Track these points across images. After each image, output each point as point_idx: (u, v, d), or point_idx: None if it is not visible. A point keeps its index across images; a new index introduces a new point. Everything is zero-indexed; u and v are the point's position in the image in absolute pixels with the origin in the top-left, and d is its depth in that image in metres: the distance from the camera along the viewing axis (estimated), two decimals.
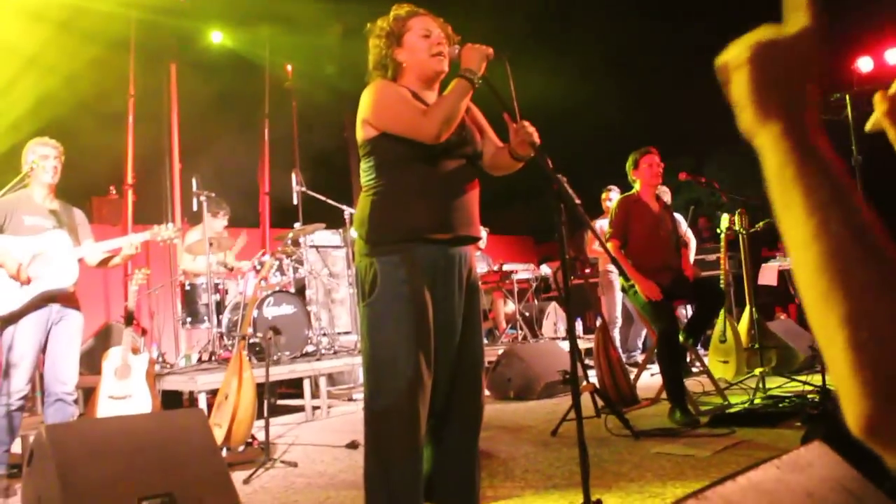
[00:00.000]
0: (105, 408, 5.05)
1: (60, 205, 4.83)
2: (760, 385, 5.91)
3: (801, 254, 0.79)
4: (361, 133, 3.07)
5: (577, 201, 2.80)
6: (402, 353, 2.91)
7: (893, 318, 0.73)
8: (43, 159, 4.64)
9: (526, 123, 2.99)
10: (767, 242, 9.57)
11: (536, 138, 2.98)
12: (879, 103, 1.23)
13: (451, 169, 3.04)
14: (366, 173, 3.09)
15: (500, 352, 7.21)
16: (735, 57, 0.90)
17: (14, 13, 7.50)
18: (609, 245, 5.40)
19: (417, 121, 2.90)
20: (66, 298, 4.68)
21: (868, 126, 1.27)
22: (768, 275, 8.64)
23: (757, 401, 5.65)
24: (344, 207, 7.81)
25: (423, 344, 2.95)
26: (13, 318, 4.46)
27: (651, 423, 5.19)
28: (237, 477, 4.04)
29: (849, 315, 0.74)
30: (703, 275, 8.40)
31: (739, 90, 0.89)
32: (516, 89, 2.99)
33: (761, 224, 6.84)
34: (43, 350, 4.60)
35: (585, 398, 5.56)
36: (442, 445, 3.19)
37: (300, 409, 6.74)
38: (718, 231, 6.60)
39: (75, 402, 4.66)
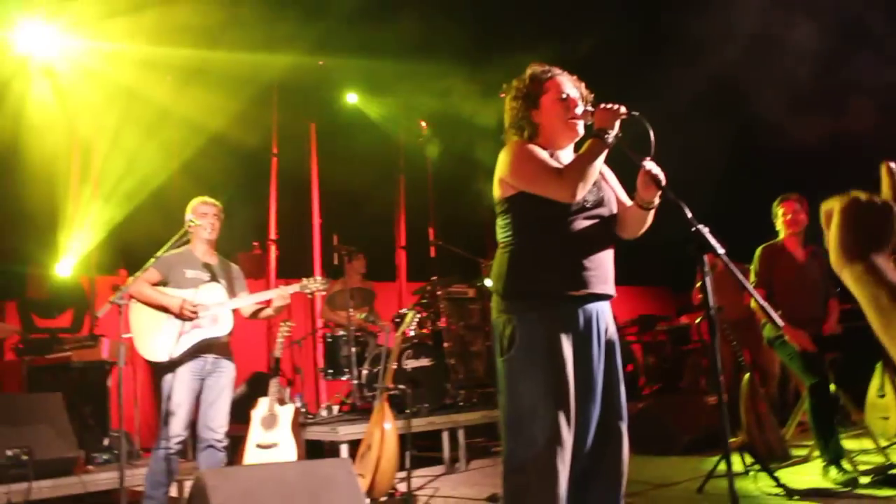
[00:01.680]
0: (252, 456, 5.22)
1: (219, 260, 5.10)
2: None
3: None
4: (498, 191, 3.12)
5: (722, 250, 2.71)
6: (541, 409, 2.89)
7: None
8: (202, 217, 4.93)
9: (649, 162, 2.97)
10: None
11: (661, 175, 2.96)
12: None
13: (587, 228, 3.04)
14: (502, 230, 3.14)
15: (641, 406, 7.04)
16: (833, 205, 1.16)
17: (162, 74, 7.97)
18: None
19: (554, 180, 2.93)
20: (221, 349, 4.91)
21: None
22: None
23: None
24: (479, 260, 7.87)
25: (563, 400, 2.92)
26: (173, 366, 4.70)
27: (804, 483, 4.94)
28: None
29: None
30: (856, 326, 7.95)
31: (832, 233, 1.13)
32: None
33: None
34: (197, 398, 4.82)
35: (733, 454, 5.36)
36: (594, 493, 3.12)
37: (438, 461, 6.76)
38: None
39: (225, 448, 4.84)
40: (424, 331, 7.38)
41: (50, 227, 7.61)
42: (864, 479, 4.87)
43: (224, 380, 4.88)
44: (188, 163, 8.32)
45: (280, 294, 4.97)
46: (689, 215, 2.75)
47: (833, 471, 4.92)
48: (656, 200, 3.05)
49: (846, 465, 5.02)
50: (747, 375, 5.91)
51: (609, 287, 3.09)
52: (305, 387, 7.95)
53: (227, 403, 4.90)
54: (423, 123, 10.64)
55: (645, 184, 3.02)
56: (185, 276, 4.85)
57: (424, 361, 6.80)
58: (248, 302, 5.01)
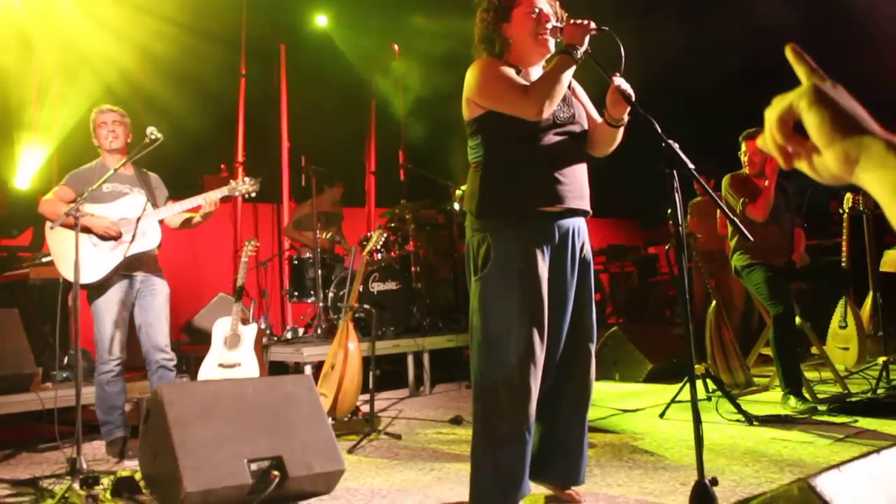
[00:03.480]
0: (213, 375, 5.16)
1: (136, 170, 4.81)
2: (884, 374, 5.59)
3: None
4: (467, 111, 3.07)
5: (692, 165, 2.65)
6: (515, 328, 2.87)
7: None
8: (102, 126, 4.66)
9: (618, 78, 2.91)
10: (891, 230, 9.04)
11: (629, 89, 2.90)
12: None
13: (559, 143, 3.00)
14: (473, 150, 3.10)
15: (608, 333, 7.06)
16: (795, 106, 0.90)
17: None
18: (741, 209, 5.23)
19: (520, 98, 2.87)
20: (150, 265, 4.68)
21: None
22: (891, 262, 8.19)
23: (880, 391, 5.37)
24: (449, 184, 7.78)
25: (537, 318, 2.90)
26: (101, 288, 4.50)
27: (765, 410, 5.00)
28: (342, 446, 4.03)
29: None
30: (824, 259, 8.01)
31: (818, 131, 0.87)
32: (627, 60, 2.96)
33: None
34: (131, 319, 4.64)
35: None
36: (551, 423, 3.13)
37: (403, 384, 6.77)
38: (840, 210, 6.28)
39: (175, 367, 4.70)
40: (392, 254, 7.31)
41: (6, 140, 7.39)
42: (822, 408, 4.93)
43: (159, 299, 4.68)
44: (155, 79, 8.09)
45: (206, 199, 4.65)
46: (659, 131, 2.69)
47: (792, 399, 4.98)
48: (625, 117, 3.02)
49: (805, 393, 5.07)
50: (713, 304, 5.93)
51: (585, 203, 3.05)
52: (270, 309, 7.89)
53: (166, 321, 4.71)
54: (396, 46, 10.44)
55: (615, 100, 2.97)
56: (102, 189, 4.49)
57: (391, 285, 6.74)
58: (173, 211, 4.71)
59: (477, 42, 3.17)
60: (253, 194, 4.87)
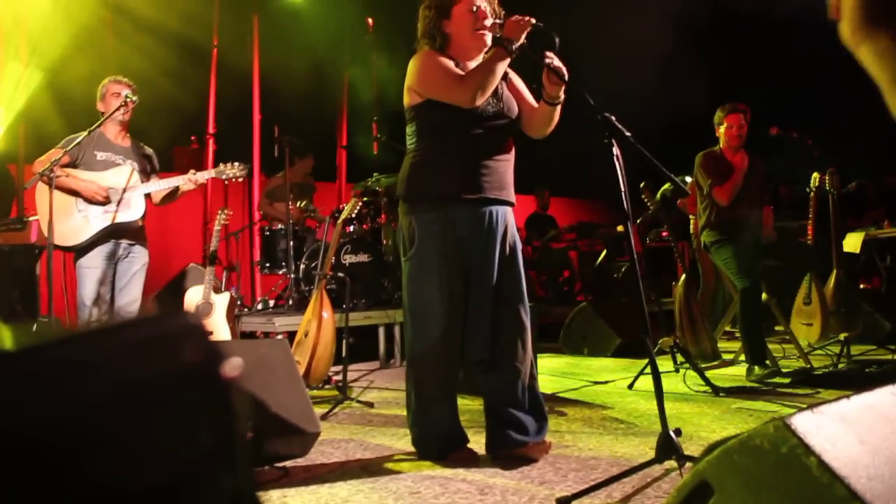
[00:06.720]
0: None
1: (132, 142, 4.92)
2: (845, 350, 5.71)
3: None
4: (407, 99, 3.34)
5: (628, 133, 2.85)
6: (436, 304, 3.20)
7: None
8: (115, 98, 4.72)
9: (550, 55, 3.15)
10: (854, 212, 9.22)
11: (562, 66, 3.15)
12: None
13: (486, 137, 3.26)
14: (409, 137, 3.37)
15: (576, 309, 7.14)
16: None
17: None
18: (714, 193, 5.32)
19: (455, 86, 3.14)
20: (135, 234, 4.79)
21: None
22: (852, 243, 8.35)
23: (841, 365, 5.50)
24: None
25: (455, 297, 3.21)
26: (84, 250, 4.60)
27: (731, 383, 5.10)
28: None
29: None
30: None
31: (846, 4, 0.95)
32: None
33: (853, 184, 6.58)
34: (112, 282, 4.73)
35: (665, 356, 5.48)
36: (494, 389, 3.34)
37: (374, 357, 6.79)
38: (807, 189, 6.37)
39: None
40: (364, 227, 7.32)
41: None
42: (784, 380, 5.05)
43: (136, 266, 4.80)
44: (124, 47, 7.99)
45: (192, 180, 4.83)
46: (592, 103, 2.93)
47: (756, 369, 5.10)
48: (562, 95, 3.26)
49: (768, 363, 5.20)
50: (682, 278, 6.02)
51: (504, 193, 3.31)
52: (241, 280, 7.86)
53: (139, 289, 4.83)
54: (370, 20, 10.37)
55: (550, 80, 3.22)
56: (95, 157, 4.68)
57: (363, 257, 6.75)
58: (160, 187, 4.86)
59: (419, 37, 3.39)
60: (240, 179, 4.98)
